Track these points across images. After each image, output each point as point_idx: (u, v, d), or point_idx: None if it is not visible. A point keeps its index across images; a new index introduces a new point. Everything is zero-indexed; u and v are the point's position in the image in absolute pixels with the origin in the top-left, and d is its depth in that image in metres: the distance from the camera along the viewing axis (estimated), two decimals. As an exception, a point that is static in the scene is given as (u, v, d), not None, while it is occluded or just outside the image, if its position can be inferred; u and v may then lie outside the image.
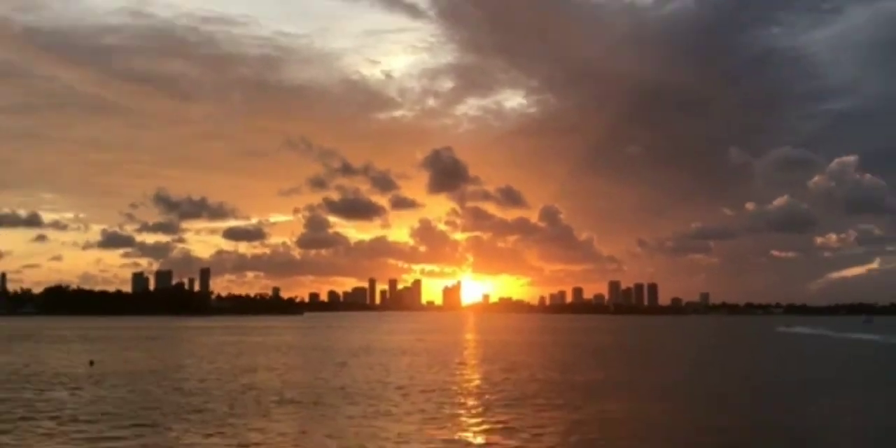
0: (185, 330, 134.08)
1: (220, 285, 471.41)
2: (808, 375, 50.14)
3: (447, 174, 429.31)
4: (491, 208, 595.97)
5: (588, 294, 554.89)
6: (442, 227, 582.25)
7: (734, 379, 47.38)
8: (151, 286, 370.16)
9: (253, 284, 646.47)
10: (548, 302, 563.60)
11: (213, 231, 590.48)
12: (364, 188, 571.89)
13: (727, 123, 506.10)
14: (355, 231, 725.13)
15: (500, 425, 26.45)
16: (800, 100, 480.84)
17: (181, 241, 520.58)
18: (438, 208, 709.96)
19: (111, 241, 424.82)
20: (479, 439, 24.05)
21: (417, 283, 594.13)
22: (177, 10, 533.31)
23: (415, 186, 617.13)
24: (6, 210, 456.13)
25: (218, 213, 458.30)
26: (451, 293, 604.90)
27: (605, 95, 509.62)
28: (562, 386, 39.82)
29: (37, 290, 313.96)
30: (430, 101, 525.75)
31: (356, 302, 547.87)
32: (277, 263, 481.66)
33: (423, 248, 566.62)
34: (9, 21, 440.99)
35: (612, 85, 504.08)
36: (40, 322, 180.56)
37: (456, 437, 24.35)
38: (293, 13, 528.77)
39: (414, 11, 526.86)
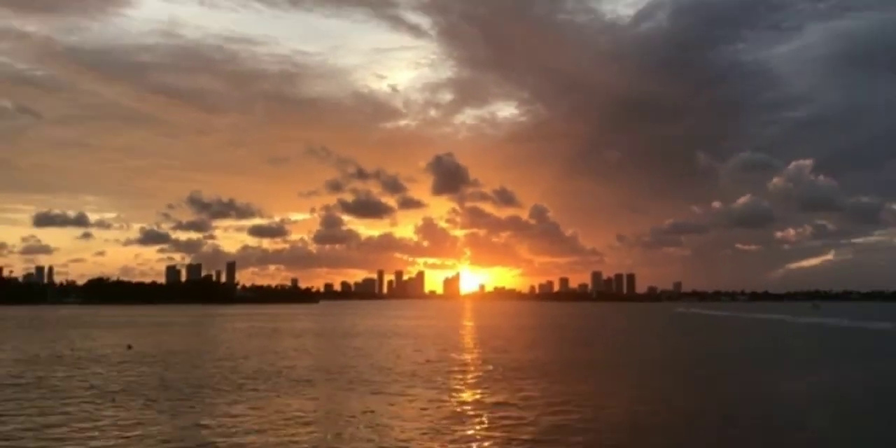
0: (213, 317, 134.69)
1: (245, 277, 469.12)
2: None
3: (449, 177, 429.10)
4: (487, 207, 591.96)
5: (573, 283, 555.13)
6: (443, 224, 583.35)
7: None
8: (183, 278, 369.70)
9: (274, 276, 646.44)
10: (537, 291, 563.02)
11: (239, 229, 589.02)
12: (375, 190, 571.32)
13: (696, 130, 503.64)
14: (366, 228, 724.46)
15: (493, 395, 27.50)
16: (761, 109, 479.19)
17: (211, 237, 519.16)
18: (440, 208, 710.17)
19: (149, 238, 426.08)
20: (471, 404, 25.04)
21: (421, 274, 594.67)
22: (204, 31, 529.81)
23: (420, 188, 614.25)
24: (56, 211, 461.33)
25: (244, 212, 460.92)
26: (450, 283, 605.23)
27: (587, 105, 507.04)
28: (532, 363, 41.05)
29: (81, 281, 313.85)
30: (432, 112, 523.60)
31: (366, 291, 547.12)
32: (296, 257, 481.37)
33: (426, 243, 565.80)
34: (53, 41, 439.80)
35: (594, 96, 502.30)
36: (83, 310, 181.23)
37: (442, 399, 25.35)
38: (309, 34, 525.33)
39: (417, 31, 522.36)
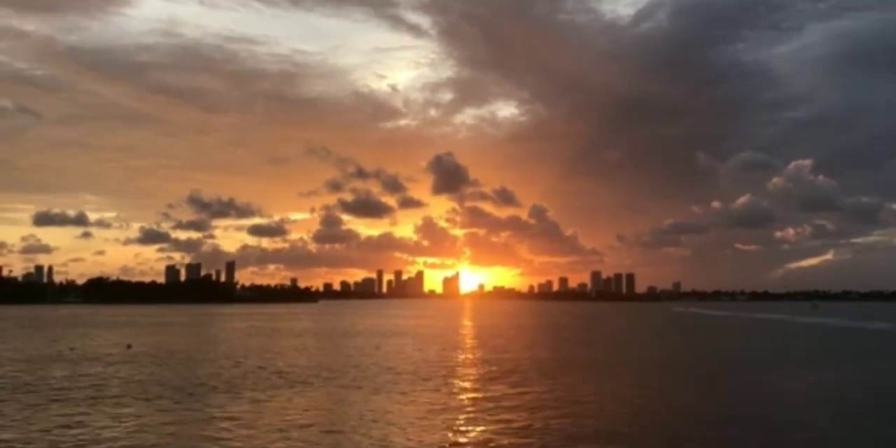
0: (213, 316, 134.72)
1: (245, 276, 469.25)
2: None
3: (449, 177, 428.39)
4: (487, 207, 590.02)
5: (573, 283, 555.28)
6: (443, 224, 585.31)
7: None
8: (183, 277, 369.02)
9: (274, 275, 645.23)
10: (537, 290, 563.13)
11: (239, 228, 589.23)
12: (375, 190, 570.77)
13: (696, 130, 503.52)
14: (365, 228, 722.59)
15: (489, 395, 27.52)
16: (761, 108, 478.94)
17: (211, 237, 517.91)
18: (440, 207, 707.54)
19: (148, 237, 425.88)
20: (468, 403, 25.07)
21: (420, 273, 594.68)
22: (204, 30, 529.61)
23: (420, 188, 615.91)
24: (56, 210, 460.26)
25: (244, 212, 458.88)
26: (450, 283, 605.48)
27: (587, 105, 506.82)
28: (531, 362, 41.06)
29: (80, 281, 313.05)
30: (432, 112, 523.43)
31: (365, 291, 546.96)
32: (296, 256, 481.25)
33: (425, 243, 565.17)
34: (54, 41, 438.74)
35: (594, 96, 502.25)
36: (83, 310, 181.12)
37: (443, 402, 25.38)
38: (308, 33, 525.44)
39: (417, 31, 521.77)
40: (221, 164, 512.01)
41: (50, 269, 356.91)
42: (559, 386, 30.95)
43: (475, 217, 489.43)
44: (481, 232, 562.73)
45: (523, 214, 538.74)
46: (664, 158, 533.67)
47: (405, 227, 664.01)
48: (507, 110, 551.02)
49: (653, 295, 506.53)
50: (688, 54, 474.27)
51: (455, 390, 29.60)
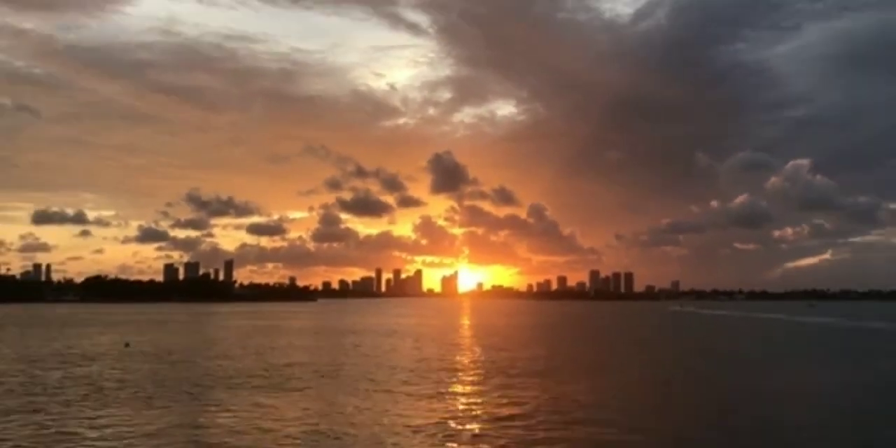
0: (211, 315, 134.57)
1: (243, 275, 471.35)
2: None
3: (448, 175, 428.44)
4: (485, 206, 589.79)
5: (571, 282, 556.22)
6: (441, 222, 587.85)
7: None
8: (181, 276, 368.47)
9: (272, 274, 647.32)
10: (535, 289, 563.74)
11: (238, 227, 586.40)
12: (374, 189, 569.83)
13: (695, 130, 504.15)
14: (364, 226, 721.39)
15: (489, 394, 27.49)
16: (760, 108, 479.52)
17: (210, 235, 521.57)
18: (439, 206, 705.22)
19: (147, 236, 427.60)
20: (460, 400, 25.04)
21: (419, 272, 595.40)
22: (203, 29, 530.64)
23: (419, 187, 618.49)
24: (55, 208, 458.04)
25: (243, 210, 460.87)
26: (448, 281, 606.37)
27: (587, 104, 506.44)
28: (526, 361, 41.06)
29: (79, 279, 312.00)
30: (431, 110, 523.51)
31: (364, 289, 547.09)
32: (294, 255, 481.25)
33: (424, 242, 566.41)
34: (52, 39, 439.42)
35: (593, 95, 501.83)
36: (81, 308, 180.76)
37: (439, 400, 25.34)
38: (307, 31, 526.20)
39: (416, 30, 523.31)
40: (220, 162, 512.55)
41: (48, 267, 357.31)
42: (557, 384, 30.91)
43: (474, 216, 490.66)
44: (480, 231, 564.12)
45: (522, 213, 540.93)
46: (663, 158, 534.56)
47: (404, 225, 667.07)
48: (506, 109, 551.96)
49: (651, 294, 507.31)
50: (687, 53, 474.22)
51: (453, 389, 29.57)
